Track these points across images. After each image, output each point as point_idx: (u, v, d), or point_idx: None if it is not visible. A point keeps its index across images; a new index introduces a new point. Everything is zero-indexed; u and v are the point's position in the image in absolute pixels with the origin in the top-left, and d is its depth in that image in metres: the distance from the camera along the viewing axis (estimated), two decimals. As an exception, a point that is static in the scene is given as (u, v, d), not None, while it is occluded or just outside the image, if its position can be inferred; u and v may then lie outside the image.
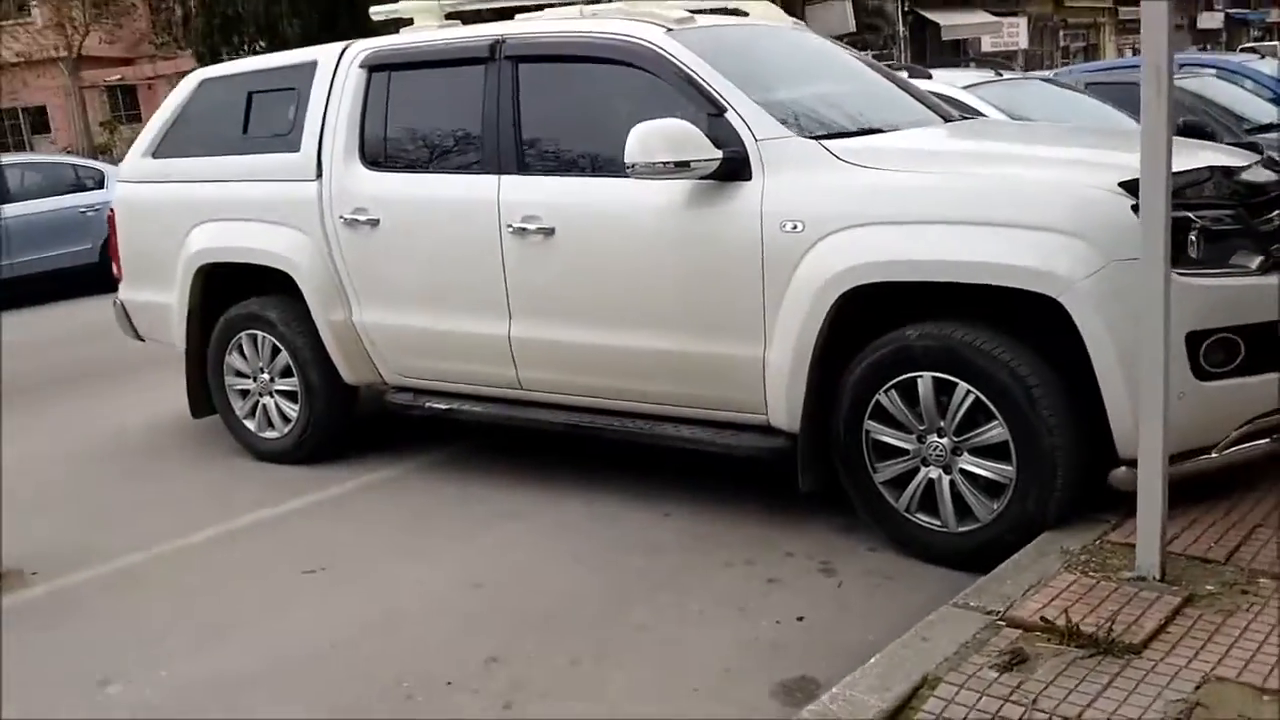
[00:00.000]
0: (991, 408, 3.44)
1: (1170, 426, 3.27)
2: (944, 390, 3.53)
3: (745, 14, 5.03)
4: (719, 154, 3.80)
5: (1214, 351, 3.35)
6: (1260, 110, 8.25)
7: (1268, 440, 3.53)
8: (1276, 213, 3.68)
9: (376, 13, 5.49)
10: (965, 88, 6.26)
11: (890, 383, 3.63)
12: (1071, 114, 6.68)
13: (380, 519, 4.54)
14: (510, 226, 4.30)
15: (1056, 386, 3.38)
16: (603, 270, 4.17)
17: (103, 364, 7.51)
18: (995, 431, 3.45)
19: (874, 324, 3.70)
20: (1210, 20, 42.70)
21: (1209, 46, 37.71)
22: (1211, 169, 3.51)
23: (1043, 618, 2.80)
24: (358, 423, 5.35)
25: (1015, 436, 3.41)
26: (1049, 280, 3.31)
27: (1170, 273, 2.90)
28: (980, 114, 5.97)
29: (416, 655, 3.36)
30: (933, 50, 28.24)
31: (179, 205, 5.44)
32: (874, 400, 3.67)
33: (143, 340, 5.99)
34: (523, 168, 4.36)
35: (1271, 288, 3.42)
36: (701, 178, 3.84)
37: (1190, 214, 3.37)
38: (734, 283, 3.86)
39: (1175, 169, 3.45)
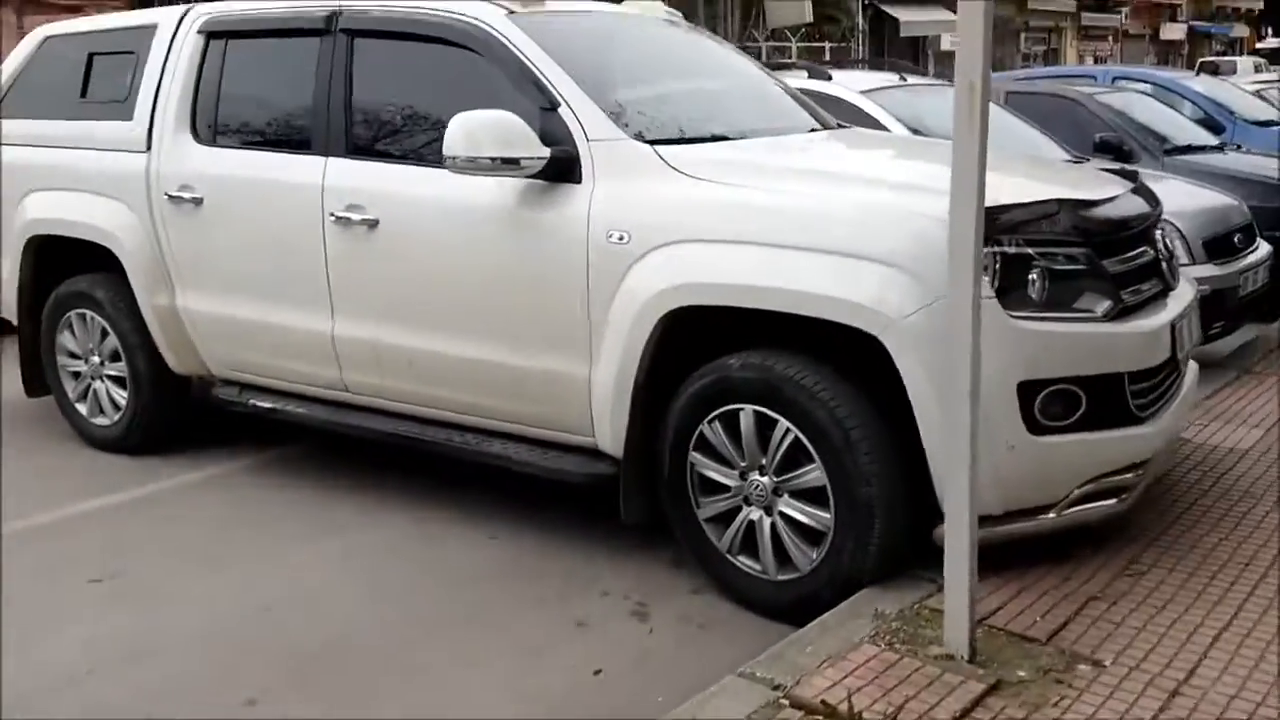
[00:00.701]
0: (810, 448, 3.17)
1: (999, 483, 3.05)
2: (766, 425, 3.26)
3: (617, 0, 4.72)
4: (546, 152, 3.49)
5: (1051, 403, 3.09)
6: (1184, 131, 8.05)
7: (1114, 500, 3.30)
8: (1137, 251, 3.44)
9: None
10: (864, 92, 5.97)
11: (714, 413, 3.35)
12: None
13: (193, 523, 4.21)
14: (334, 215, 3.97)
15: (878, 431, 3.11)
16: (426, 269, 3.85)
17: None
18: (814, 475, 3.18)
19: (710, 346, 3.42)
20: (1173, 31, 42.89)
21: (1170, 59, 37.98)
22: (1060, 201, 3.25)
23: (823, 701, 2.53)
24: (204, 412, 5.01)
25: (833, 481, 3.14)
26: (868, 315, 3.04)
27: (978, 313, 2.62)
28: (875, 122, 5.70)
29: (173, 690, 3.05)
30: (891, 46, 28.02)
31: (15, 170, 5.06)
32: (698, 431, 3.39)
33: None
34: (351, 151, 4.03)
35: (1120, 336, 3.18)
36: (528, 177, 3.53)
37: (1030, 250, 3.11)
38: (560, 293, 3.56)
39: (1021, 199, 3.24)
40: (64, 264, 4.98)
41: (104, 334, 4.87)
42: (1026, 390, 3.04)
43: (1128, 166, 6.66)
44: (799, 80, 6.19)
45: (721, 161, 3.52)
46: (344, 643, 3.28)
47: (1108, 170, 4.47)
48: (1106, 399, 3.17)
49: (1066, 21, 35.71)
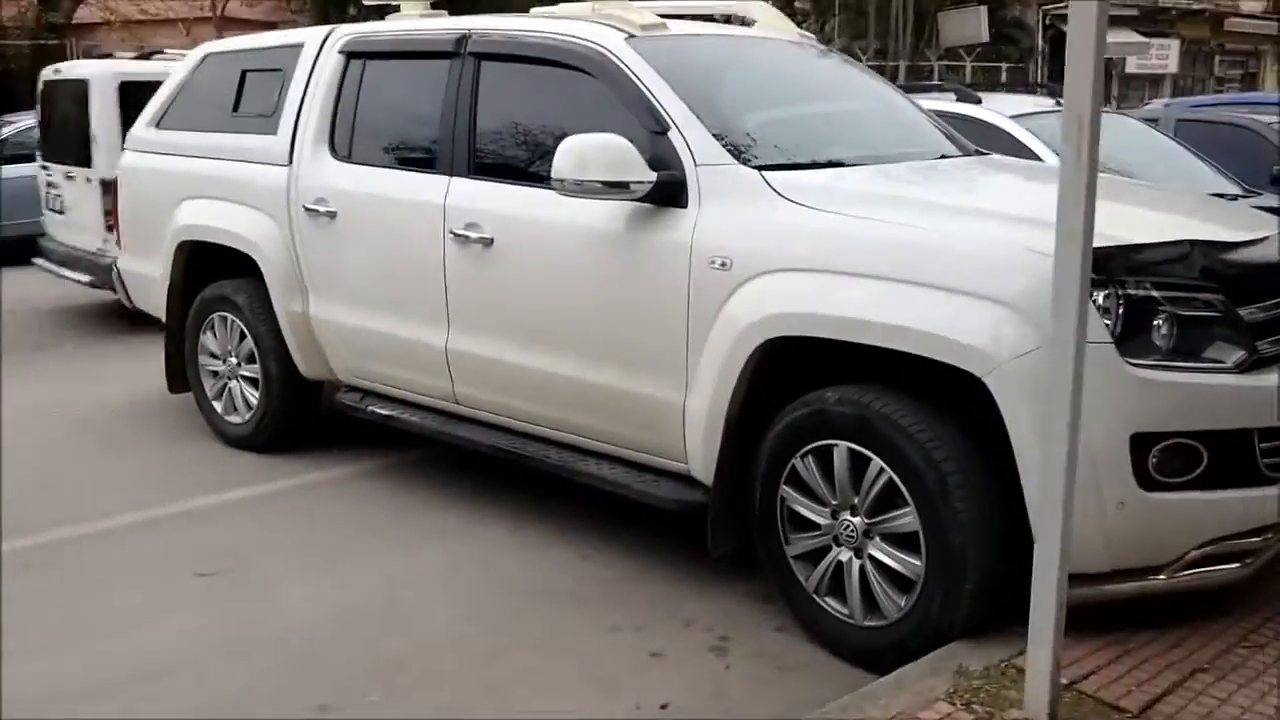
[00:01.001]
0: (904, 491, 3.03)
1: (1105, 539, 2.86)
2: (861, 464, 3.14)
3: (750, 23, 4.66)
4: (653, 176, 3.46)
5: (1168, 458, 2.87)
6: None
7: (1237, 565, 3.04)
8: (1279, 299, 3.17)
9: None
10: (1014, 117, 5.73)
11: (808, 447, 3.25)
12: (1139, 157, 6.07)
13: (304, 524, 4.35)
14: (453, 233, 4.05)
15: (977, 477, 2.95)
16: (535, 288, 3.88)
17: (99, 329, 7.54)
18: (907, 519, 3.04)
19: (809, 379, 3.32)
20: None
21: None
22: (1194, 242, 3.02)
23: (882, 759, 2.42)
24: (332, 417, 5.19)
25: (925, 527, 2.99)
26: (972, 356, 2.88)
27: (1081, 360, 2.45)
28: (1025, 149, 5.47)
29: (250, 689, 3.14)
30: (1074, 67, 26.92)
31: (172, 178, 5.37)
32: (791, 464, 3.29)
33: (136, 310, 5.96)
34: (473, 171, 4.09)
35: (1251, 389, 2.93)
36: (636, 200, 3.51)
37: (1157, 293, 2.90)
38: (660, 318, 3.52)
39: (1150, 239, 3.04)
40: (212, 269, 5.23)
41: (242, 336, 5.09)
42: (1141, 443, 2.84)
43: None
44: (945, 103, 6.01)
45: (830, 189, 3.42)
46: (424, 655, 3.31)
47: (1264, 208, 4.16)
48: (1232, 456, 2.92)
49: (1267, 45, 33.60)
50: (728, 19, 4.68)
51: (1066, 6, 2.35)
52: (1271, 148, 7.14)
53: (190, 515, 4.44)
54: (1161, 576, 2.96)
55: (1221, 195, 5.46)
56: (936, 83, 6.77)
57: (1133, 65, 28.31)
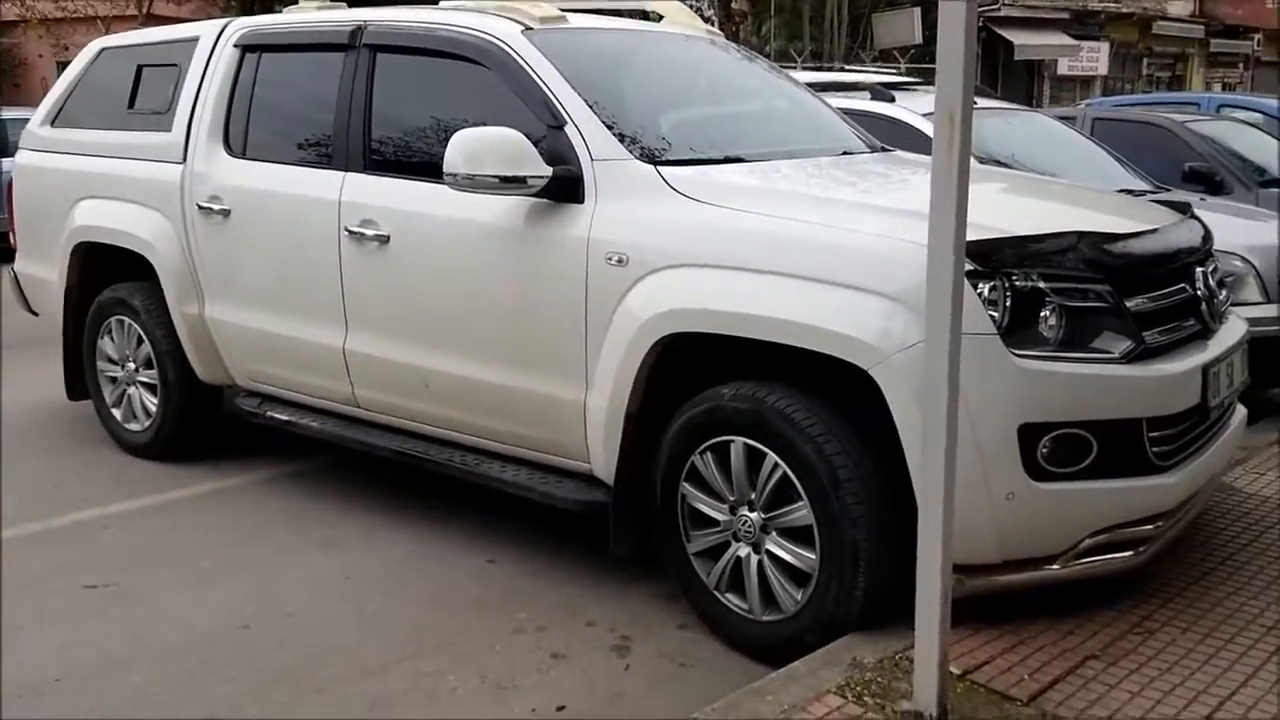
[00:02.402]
0: (798, 485, 3.00)
1: (997, 530, 2.85)
2: (757, 459, 3.10)
3: (658, 18, 4.61)
4: (549, 171, 3.40)
5: (1057, 448, 2.87)
6: (1285, 162, 7.58)
7: (1130, 553, 3.05)
8: (1170, 289, 3.19)
9: None
10: (927, 115, 5.73)
11: (706, 444, 3.20)
12: (1052, 155, 6.11)
13: (200, 534, 4.20)
14: (348, 230, 3.95)
15: (869, 471, 2.92)
16: (433, 286, 3.79)
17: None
18: (801, 513, 3.01)
19: (706, 376, 3.28)
20: None
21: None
22: (1081, 234, 3.02)
23: (764, 756, 2.37)
24: (238, 424, 5.05)
25: (819, 520, 2.96)
26: (859, 349, 2.86)
27: (957, 350, 2.42)
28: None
29: (134, 703, 3.02)
30: (1006, 70, 27.35)
31: (66, 178, 5.19)
32: (690, 461, 3.25)
33: (35, 314, 5.75)
34: (368, 166, 4.00)
35: (1138, 379, 2.94)
36: (532, 195, 3.45)
37: (1044, 284, 2.89)
38: (558, 315, 3.46)
39: (1036, 230, 3.04)
40: (110, 272, 5.07)
41: (140, 341, 4.94)
42: (1029, 434, 2.83)
43: (1208, 196, 6.32)
44: (860, 102, 6.01)
45: (727, 185, 3.37)
46: (312, 666, 3.21)
47: (1162, 201, 4.19)
48: (1121, 446, 2.93)
49: (1194, 48, 34.34)
50: (635, 14, 4.63)
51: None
52: (1185, 146, 7.24)
53: (82, 526, 4.29)
54: (1055, 566, 2.96)
55: (1131, 191, 5.51)
56: (852, 81, 6.73)
57: (1064, 67, 28.78)
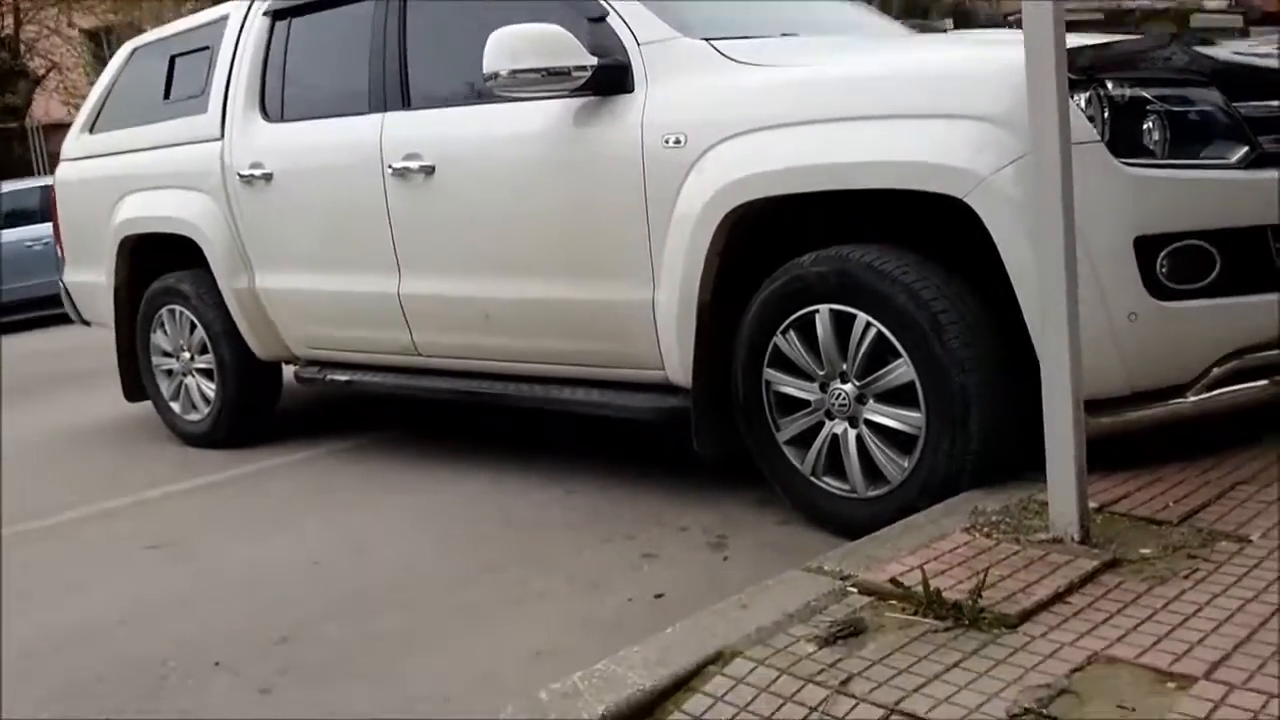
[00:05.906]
0: (894, 341, 2.76)
1: (1121, 357, 2.60)
2: (846, 325, 2.87)
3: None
4: (593, 60, 3.23)
5: (1179, 262, 2.62)
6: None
7: (1266, 381, 2.76)
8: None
9: None
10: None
11: (787, 321, 2.98)
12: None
13: (258, 500, 4.06)
14: (392, 168, 3.80)
15: (972, 311, 2.69)
16: (484, 210, 3.62)
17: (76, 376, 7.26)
18: (901, 371, 2.77)
19: (780, 256, 3.07)
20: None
21: None
22: (1174, 35, 2.80)
23: (893, 580, 2.12)
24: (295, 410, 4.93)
25: (921, 374, 2.72)
26: (953, 177, 2.62)
27: (1068, 153, 2.19)
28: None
29: (204, 633, 2.84)
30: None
31: (108, 179, 5.15)
32: (771, 344, 3.02)
33: (87, 324, 5.70)
34: (406, 102, 3.87)
35: (1258, 184, 2.68)
36: (576, 91, 3.28)
37: (1145, 92, 2.66)
38: (617, 213, 3.27)
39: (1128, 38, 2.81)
40: (157, 266, 4.99)
41: (192, 327, 4.83)
42: (1147, 247, 2.58)
43: None
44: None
45: (785, 47, 3.20)
46: (390, 587, 3.02)
47: None
48: (1246, 258, 2.66)
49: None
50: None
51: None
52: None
53: (142, 504, 4.17)
54: (1187, 398, 2.69)
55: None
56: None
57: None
